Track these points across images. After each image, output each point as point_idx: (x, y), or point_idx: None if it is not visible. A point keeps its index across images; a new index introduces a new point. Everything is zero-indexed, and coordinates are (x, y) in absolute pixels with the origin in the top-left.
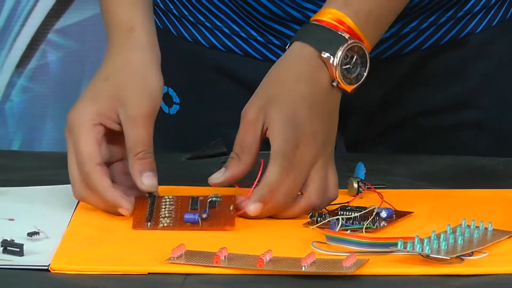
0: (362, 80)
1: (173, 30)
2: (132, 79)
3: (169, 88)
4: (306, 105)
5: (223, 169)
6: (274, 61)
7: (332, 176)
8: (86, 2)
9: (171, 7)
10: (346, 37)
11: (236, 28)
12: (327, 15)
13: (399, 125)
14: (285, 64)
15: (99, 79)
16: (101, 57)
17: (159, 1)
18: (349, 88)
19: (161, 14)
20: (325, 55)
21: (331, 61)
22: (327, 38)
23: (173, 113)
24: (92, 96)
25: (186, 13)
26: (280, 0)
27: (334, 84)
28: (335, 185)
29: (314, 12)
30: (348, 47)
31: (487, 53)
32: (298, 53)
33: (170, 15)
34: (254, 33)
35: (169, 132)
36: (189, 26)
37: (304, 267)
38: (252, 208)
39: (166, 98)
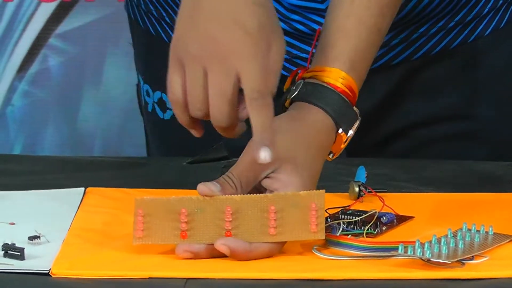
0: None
1: (165, 37)
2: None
3: (163, 94)
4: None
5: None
6: None
7: None
8: (87, 7)
9: (164, 14)
10: (358, 114)
11: None
12: (340, 80)
13: (393, 136)
14: (308, 133)
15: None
16: (102, 61)
17: (152, 9)
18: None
19: (154, 21)
20: (340, 130)
21: (343, 138)
22: (344, 113)
23: (167, 118)
24: None
25: None
26: None
27: (331, 156)
28: None
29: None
30: (357, 125)
31: (482, 62)
32: (321, 125)
33: (162, 22)
34: None
35: (164, 137)
36: None
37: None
38: (264, 155)
39: (160, 104)
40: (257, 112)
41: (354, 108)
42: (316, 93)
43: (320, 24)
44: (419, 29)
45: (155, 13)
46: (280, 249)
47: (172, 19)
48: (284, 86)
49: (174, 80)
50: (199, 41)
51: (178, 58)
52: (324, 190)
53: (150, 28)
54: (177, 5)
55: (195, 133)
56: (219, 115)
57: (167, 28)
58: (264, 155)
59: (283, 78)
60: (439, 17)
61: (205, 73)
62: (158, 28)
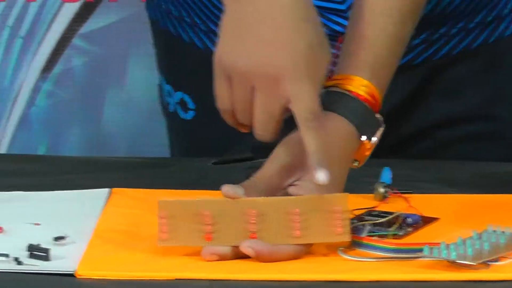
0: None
1: (185, 37)
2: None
3: (184, 94)
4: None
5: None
6: None
7: None
8: (111, 7)
9: (184, 14)
10: (381, 121)
11: None
12: (362, 88)
13: (414, 136)
14: (331, 141)
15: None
16: (125, 62)
17: (172, 8)
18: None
19: (174, 21)
20: (363, 138)
21: (367, 146)
22: (367, 120)
23: (189, 118)
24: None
25: (198, 21)
26: None
27: (356, 164)
28: None
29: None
30: (381, 132)
31: (502, 63)
32: (344, 133)
33: (183, 22)
34: None
35: (186, 137)
36: (201, 34)
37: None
38: (322, 177)
39: (182, 104)
40: (313, 134)
41: (377, 115)
42: (338, 102)
43: (340, 25)
44: (439, 30)
45: (175, 13)
46: (305, 251)
47: (192, 19)
48: None
49: (221, 91)
50: (247, 59)
51: (225, 71)
52: (348, 193)
53: (170, 28)
54: (198, 6)
55: (242, 130)
56: (264, 132)
57: (187, 28)
58: (322, 176)
59: None
60: (459, 18)
61: (252, 89)
62: (179, 28)
